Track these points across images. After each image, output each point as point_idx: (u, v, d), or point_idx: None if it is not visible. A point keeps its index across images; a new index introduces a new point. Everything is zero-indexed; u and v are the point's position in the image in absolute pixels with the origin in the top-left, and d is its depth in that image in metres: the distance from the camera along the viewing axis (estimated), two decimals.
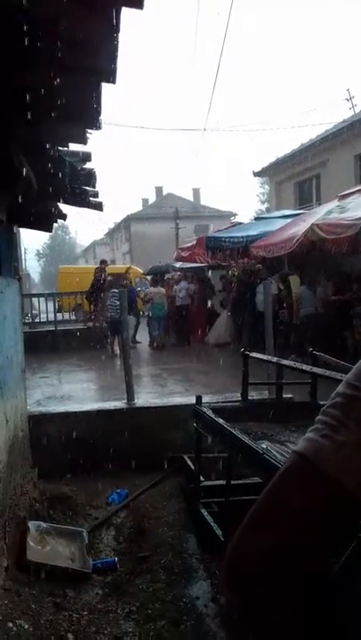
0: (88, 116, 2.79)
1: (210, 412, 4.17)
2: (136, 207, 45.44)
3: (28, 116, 2.52)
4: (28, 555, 3.67)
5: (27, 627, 3.00)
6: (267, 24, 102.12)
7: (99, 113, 2.80)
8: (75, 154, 3.62)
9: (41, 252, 69.50)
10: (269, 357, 4.56)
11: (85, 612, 3.28)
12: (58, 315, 15.27)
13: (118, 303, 11.10)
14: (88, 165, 3.94)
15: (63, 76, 2.31)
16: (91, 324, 13.55)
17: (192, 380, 8.39)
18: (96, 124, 2.93)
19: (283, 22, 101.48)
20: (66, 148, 3.49)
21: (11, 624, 2.97)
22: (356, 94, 33.77)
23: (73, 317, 16.03)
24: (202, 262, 15.41)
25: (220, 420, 3.88)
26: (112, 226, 49.07)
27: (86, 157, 3.73)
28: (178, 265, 17.94)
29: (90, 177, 4.05)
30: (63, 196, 4.36)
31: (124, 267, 20.29)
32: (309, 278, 10.67)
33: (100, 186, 4.31)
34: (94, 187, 4.29)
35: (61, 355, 11.20)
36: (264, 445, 3.45)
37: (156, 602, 3.36)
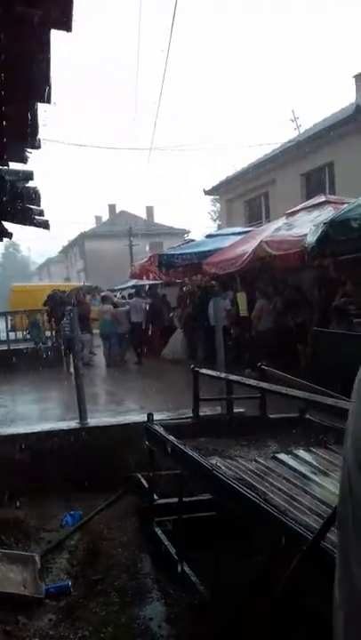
0: (25, 136, 2.77)
1: (161, 430, 4.16)
2: (90, 225, 45.32)
3: None
4: None
5: None
6: (215, 43, 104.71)
7: (36, 132, 2.80)
8: (16, 172, 3.58)
9: None
10: (218, 374, 4.59)
11: (37, 639, 3.18)
12: (11, 334, 14.98)
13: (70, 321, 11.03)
14: (31, 184, 3.91)
15: None
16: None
17: (147, 398, 8.34)
18: (34, 144, 2.92)
19: (232, 42, 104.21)
20: (5, 167, 3.45)
21: None
22: (301, 115, 34.96)
23: (27, 336, 15.77)
24: (156, 279, 15.50)
25: (171, 438, 3.88)
26: (66, 243, 48.69)
27: (28, 176, 3.69)
28: (131, 283, 17.95)
29: (33, 195, 4.02)
30: (6, 214, 4.32)
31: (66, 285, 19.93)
32: (262, 293, 10.86)
33: (51, 204, 4.30)
34: (39, 205, 4.26)
35: (15, 374, 10.95)
36: (214, 461, 3.46)
37: (110, 625, 3.30)
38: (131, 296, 15.58)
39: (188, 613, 3.36)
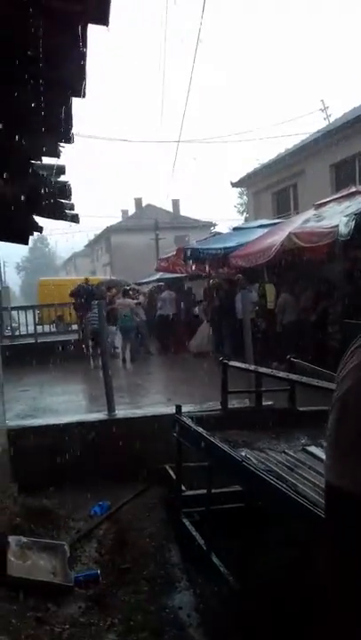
0: (59, 130, 2.81)
1: (189, 422, 4.19)
2: (116, 219, 45.50)
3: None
4: (9, 570, 3.63)
5: None
6: (245, 34, 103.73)
7: (70, 127, 2.82)
8: (49, 167, 3.63)
9: (20, 264, 68.96)
10: (247, 366, 4.59)
11: (67, 626, 3.25)
12: (38, 327, 15.19)
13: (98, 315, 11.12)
14: (62, 178, 3.95)
15: (33, 90, 2.34)
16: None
17: (174, 390, 8.39)
18: (67, 138, 2.95)
19: (262, 33, 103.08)
20: (39, 162, 3.50)
21: None
22: (331, 105, 34.44)
23: (54, 329, 15.97)
24: (181, 273, 15.50)
25: (200, 429, 3.90)
26: (92, 237, 49.01)
27: (60, 170, 3.73)
28: (156, 276, 17.98)
29: (64, 190, 4.07)
30: (38, 208, 4.37)
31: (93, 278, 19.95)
32: (289, 286, 10.78)
33: (78, 198, 4.33)
34: (70, 199, 4.29)
35: (43, 367, 11.11)
36: (243, 453, 3.48)
37: (139, 613, 3.35)
38: (161, 290, 15.61)
39: (216, 603, 3.39)
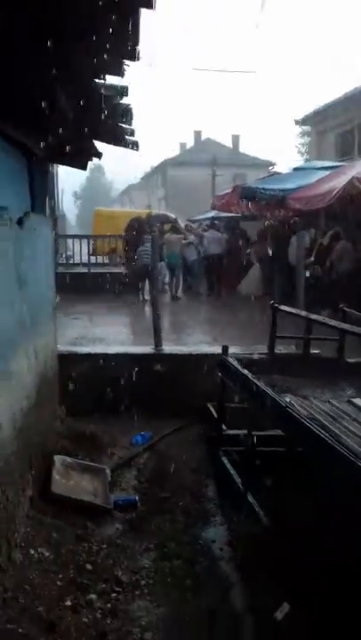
0: (124, 45, 2.63)
1: (235, 363, 4.15)
2: (174, 151, 44.45)
3: (62, 42, 2.39)
4: (53, 487, 3.79)
5: (47, 554, 3.13)
6: None
7: (136, 42, 2.64)
8: (111, 87, 3.46)
9: (78, 193, 68.89)
10: (298, 311, 4.46)
11: (105, 546, 3.39)
12: (92, 258, 15.27)
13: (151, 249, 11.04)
14: (124, 101, 3.77)
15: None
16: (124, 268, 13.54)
17: (221, 331, 8.35)
18: (133, 55, 2.77)
19: None
20: (102, 81, 3.33)
21: (32, 551, 3.10)
22: None
23: (107, 261, 16.02)
24: (236, 212, 15.08)
25: (245, 372, 3.86)
26: (148, 170, 48.24)
27: (123, 91, 3.55)
28: (211, 214, 17.56)
29: (126, 113, 3.89)
30: (98, 132, 4.23)
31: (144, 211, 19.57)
32: (349, 233, 10.34)
33: (137, 125, 4.16)
34: (130, 124, 4.12)
35: (93, 297, 11.25)
36: (287, 399, 3.43)
37: (173, 541, 3.45)
38: (206, 228, 15.32)
39: (249, 540, 3.46)
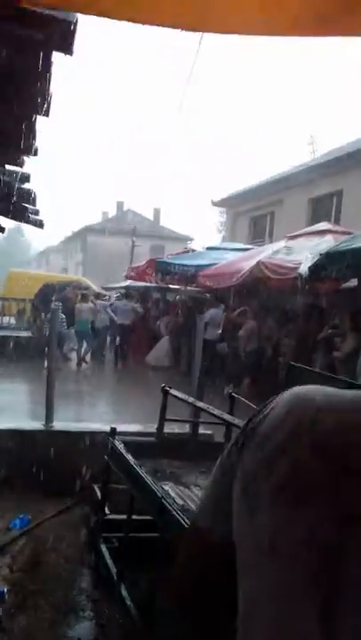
0: (20, 144, 2.78)
1: (121, 446, 4.14)
2: (96, 219, 45.25)
3: None
4: None
5: None
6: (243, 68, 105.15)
7: (33, 141, 2.80)
8: (11, 173, 3.59)
9: None
10: (186, 397, 4.58)
11: None
12: None
13: (63, 316, 11.01)
14: (28, 186, 3.93)
15: None
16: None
17: (120, 403, 8.33)
18: (30, 152, 2.92)
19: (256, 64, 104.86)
20: (1, 167, 3.46)
21: None
22: (320, 139, 35.10)
23: (12, 322, 15.69)
24: (150, 282, 15.51)
25: (129, 457, 3.85)
26: (69, 234, 48.58)
27: (25, 178, 3.71)
28: (126, 283, 17.89)
29: (29, 196, 4.04)
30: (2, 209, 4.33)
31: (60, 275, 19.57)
32: (254, 313, 10.92)
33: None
34: (34, 205, 4.27)
35: None
36: (167, 487, 3.45)
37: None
38: (119, 298, 15.59)
39: (117, 637, 3.34)
